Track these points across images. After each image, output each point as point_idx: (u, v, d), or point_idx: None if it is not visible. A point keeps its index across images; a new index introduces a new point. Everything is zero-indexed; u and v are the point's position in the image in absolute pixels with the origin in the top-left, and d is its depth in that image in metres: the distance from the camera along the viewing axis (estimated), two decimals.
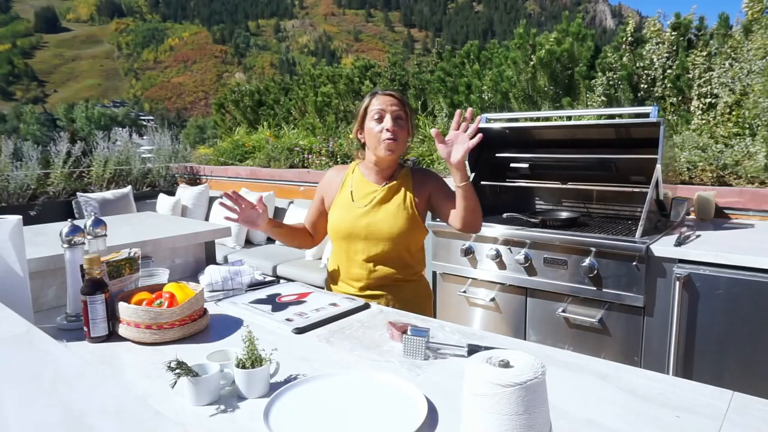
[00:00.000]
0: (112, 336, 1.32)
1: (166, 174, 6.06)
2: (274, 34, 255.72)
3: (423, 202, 1.75)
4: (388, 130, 1.66)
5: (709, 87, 3.23)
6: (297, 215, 4.26)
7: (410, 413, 0.93)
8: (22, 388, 0.71)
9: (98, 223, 1.49)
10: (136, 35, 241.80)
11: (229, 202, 1.69)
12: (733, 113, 3.08)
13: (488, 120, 2.96)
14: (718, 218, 2.67)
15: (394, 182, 1.76)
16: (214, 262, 2.02)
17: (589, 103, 3.79)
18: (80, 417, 0.64)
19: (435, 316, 1.90)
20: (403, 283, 1.75)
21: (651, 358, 2.21)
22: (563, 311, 2.41)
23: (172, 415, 0.95)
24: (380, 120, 1.67)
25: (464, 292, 2.73)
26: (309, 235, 1.91)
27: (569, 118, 3.49)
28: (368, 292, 1.72)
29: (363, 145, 1.78)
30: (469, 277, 2.72)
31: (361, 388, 1.03)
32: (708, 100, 3.22)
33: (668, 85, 3.41)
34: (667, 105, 3.45)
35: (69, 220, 1.42)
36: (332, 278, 1.84)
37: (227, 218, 1.71)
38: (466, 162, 1.59)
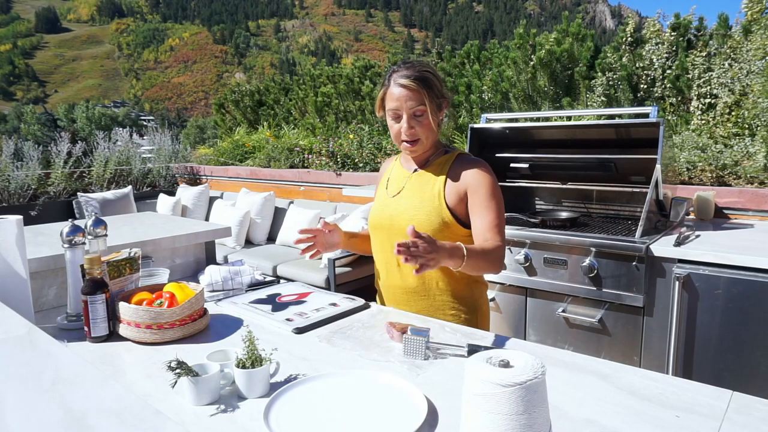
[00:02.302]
0: (113, 336, 1.32)
1: (167, 174, 6.06)
2: (274, 35, 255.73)
3: (458, 197, 1.47)
4: (405, 133, 1.45)
5: (708, 87, 3.23)
6: (297, 215, 4.26)
7: (410, 413, 0.93)
8: (23, 388, 0.71)
9: (99, 223, 1.49)
10: (137, 35, 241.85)
11: (304, 240, 1.53)
12: (733, 113, 3.08)
13: (488, 120, 2.96)
14: (717, 218, 2.67)
15: (427, 170, 1.52)
16: (214, 262, 2.02)
17: (589, 104, 3.79)
18: (81, 417, 0.64)
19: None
20: (424, 293, 1.52)
21: (651, 358, 2.21)
22: (563, 311, 2.41)
23: (173, 415, 0.95)
24: (398, 119, 1.46)
25: None
26: None
27: (569, 118, 3.49)
28: (390, 292, 1.56)
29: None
30: None
31: (361, 388, 1.03)
32: (707, 101, 3.23)
33: (668, 86, 3.41)
34: (666, 105, 3.45)
35: (69, 220, 1.42)
36: (376, 274, 1.66)
37: (312, 257, 1.54)
38: (436, 262, 1.18)
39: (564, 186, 2.83)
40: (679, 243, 2.13)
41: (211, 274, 1.71)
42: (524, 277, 2.50)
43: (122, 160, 5.82)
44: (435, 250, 1.18)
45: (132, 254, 1.45)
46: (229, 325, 1.41)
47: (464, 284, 1.53)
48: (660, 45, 3.51)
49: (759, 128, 2.85)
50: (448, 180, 1.48)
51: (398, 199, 1.54)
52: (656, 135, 2.28)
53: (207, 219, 5.01)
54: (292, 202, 4.60)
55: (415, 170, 1.55)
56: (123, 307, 1.29)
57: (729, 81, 3.13)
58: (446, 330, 1.35)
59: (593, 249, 2.28)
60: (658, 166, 2.28)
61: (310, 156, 4.94)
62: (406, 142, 1.46)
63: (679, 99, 3.40)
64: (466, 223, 1.48)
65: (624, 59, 3.64)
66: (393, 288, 1.57)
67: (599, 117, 3.51)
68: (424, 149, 1.50)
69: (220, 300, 1.59)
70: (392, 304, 1.58)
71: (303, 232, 1.52)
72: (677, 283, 2.09)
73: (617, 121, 2.68)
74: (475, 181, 1.46)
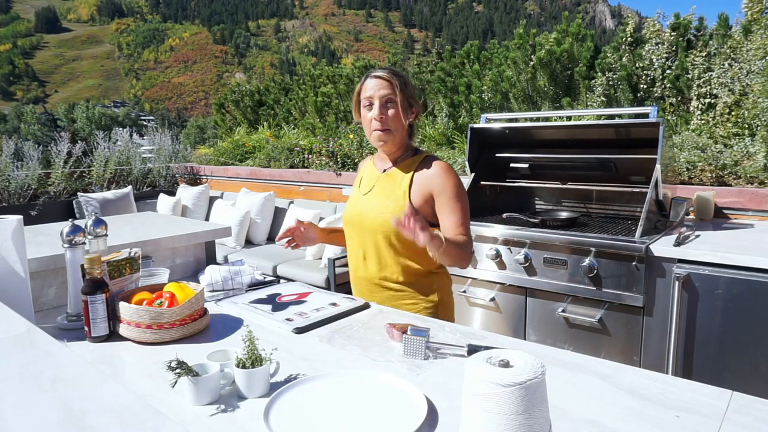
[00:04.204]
0: (113, 336, 1.32)
1: (167, 174, 6.06)
2: (274, 35, 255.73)
3: (422, 198, 1.56)
4: (375, 119, 1.54)
5: (708, 87, 3.23)
6: (297, 215, 4.26)
7: (410, 413, 0.93)
8: (23, 388, 0.71)
9: (99, 223, 1.49)
10: (137, 35, 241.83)
11: (283, 236, 1.75)
12: (733, 113, 3.08)
13: (488, 120, 2.96)
14: (717, 218, 2.67)
15: (396, 169, 1.62)
16: (215, 262, 2.02)
17: (588, 104, 3.79)
18: (80, 417, 0.64)
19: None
20: (395, 284, 1.61)
21: (650, 357, 2.21)
22: (563, 311, 2.41)
23: (173, 415, 0.95)
24: (370, 107, 1.55)
25: (464, 291, 2.73)
26: None
27: (569, 118, 3.49)
28: (357, 286, 1.70)
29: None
30: (469, 277, 2.72)
31: (361, 388, 1.03)
32: (707, 101, 3.23)
33: (668, 86, 3.41)
34: (666, 105, 3.45)
35: (70, 220, 1.42)
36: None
37: (293, 249, 1.77)
38: (429, 235, 1.32)
39: (564, 186, 2.83)
40: (679, 243, 2.13)
41: (211, 274, 1.71)
42: (524, 277, 2.50)
43: (122, 160, 5.82)
44: (425, 227, 1.31)
45: (132, 254, 1.45)
46: (229, 325, 1.41)
47: (424, 276, 1.62)
48: (660, 45, 3.51)
49: (759, 128, 2.85)
50: (414, 180, 1.58)
51: (368, 197, 1.64)
52: (656, 135, 2.28)
53: (207, 219, 5.01)
54: (292, 202, 4.60)
55: (385, 170, 1.65)
56: (123, 307, 1.29)
57: (729, 81, 3.13)
58: (446, 330, 1.35)
59: (593, 249, 2.28)
60: (657, 166, 2.28)
61: (310, 156, 4.94)
62: (378, 130, 1.55)
63: (679, 99, 3.41)
64: (431, 223, 1.55)
65: (624, 59, 3.64)
66: (360, 279, 1.69)
67: (599, 117, 3.51)
68: (395, 143, 1.59)
69: (220, 300, 1.59)
70: (359, 295, 1.69)
71: (280, 238, 1.73)
72: (677, 283, 2.09)
73: (617, 121, 2.68)
74: (439, 183, 1.55)
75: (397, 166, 1.62)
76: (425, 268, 1.61)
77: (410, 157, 1.63)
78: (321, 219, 3.96)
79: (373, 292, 1.64)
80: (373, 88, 1.55)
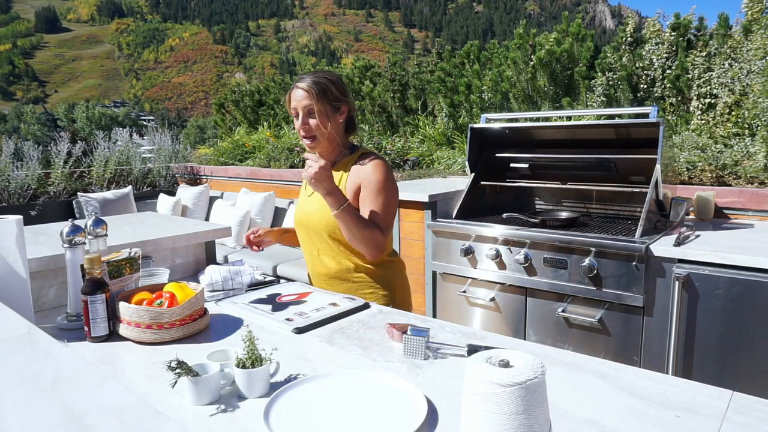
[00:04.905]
0: (113, 336, 1.32)
1: (167, 174, 6.06)
2: (274, 35, 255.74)
3: (354, 192, 1.66)
4: (300, 129, 1.65)
5: (708, 87, 3.23)
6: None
7: (410, 413, 0.93)
8: (23, 388, 0.71)
9: (99, 223, 1.49)
10: (137, 35, 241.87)
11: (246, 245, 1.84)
12: (733, 113, 3.08)
13: (488, 120, 2.96)
14: (717, 218, 2.67)
15: (334, 169, 1.71)
16: (215, 262, 2.02)
17: (588, 104, 3.79)
18: (80, 417, 0.64)
19: (411, 310, 1.85)
20: (344, 280, 1.72)
21: (650, 357, 2.21)
22: (563, 311, 2.41)
23: (173, 415, 0.95)
24: (297, 117, 1.65)
25: (464, 292, 2.73)
26: None
27: (569, 118, 3.49)
28: (315, 281, 1.78)
29: None
30: (469, 277, 2.72)
31: (361, 388, 1.03)
32: (707, 101, 3.23)
33: (668, 86, 3.41)
34: (666, 105, 3.45)
35: (69, 220, 1.42)
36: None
37: (254, 251, 1.84)
38: (336, 184, 1.57)
39: (564, 186, 2.83)
40: (679, 243, 2.13)
41: (211, 274, 1.71)
42: (524, 277, 2.50)
43: (122, 160, 5.81)
44: (328, 177, 1.51)
45: (132, 254, 1.45)
46: (229, 325, 1.41)
47: (378, 266, 1.72)
48: (660, 45, 3.51)
49: (759, 128, 2.85)
50: (349, 177, 1.67)
51: (312, 198, 1.72)
52: (656, 135, 2.28)
53: (207, 219, 5.01)
54: (292, 202, 4.60)
55: None
56: (123, 307, 1.29)
57: (729, 81, 3.13)
58: (446, 330, 1.35)
59: (593, 249, 2.28)
60: (658, 166, 2.28)
61: None
62: (304, 137, 1.65)
63: (679, 99, 3.41)
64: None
65: (624, 59, 3.64)
66: (318, 275, 1.77)
67: (599, 117, 3.51)
68: (324, 146, 1.68)
69: (220, 300, 1.59)
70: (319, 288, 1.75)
71: (244, 247, 1.86)
72: (677, 283, 2.09)
73: (617, 121, 2.68)
74: (367, 176, 1.64)
75: (335, 167, 1.72)
76: (356, 258, 1.71)
77: (347, 156, 1.73)
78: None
79: (333, 286, 1.73)
80: (296, 99, 1.63)
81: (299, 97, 1.62)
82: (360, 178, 1.65)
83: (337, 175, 1.68)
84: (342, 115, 1.68)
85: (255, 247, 1.81)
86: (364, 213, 1.63)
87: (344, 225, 1.57)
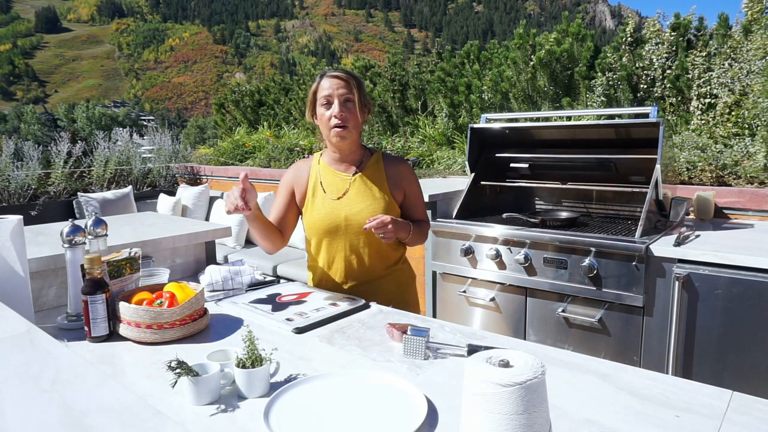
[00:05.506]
0: (113, 336, 1.32)
1: (167, 174, 6.06)
2: (274, 35, 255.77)
3: (399, 191, 1.75)
4: (336, 116, 1.61)
5: (708, 87, 3.23)
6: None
7: (410, 413, 0.93)
8: (23, 388, 0.71)
9: (99, 222, 1.49)
10: (137, 35, 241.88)
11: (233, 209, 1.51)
12: (733, 113, 3.08)
13: (488, 120, 2.96)
14: (717, 218, 2.67)
15: (367, 171, 1.73)
16: (215, 262, 2.02)
17: (588, 104, 3.79)
18: (80, 417, 0.64)
19: (419, 303, 1.94)
20: (386, 274, 1.76)
21: (650, 357, 2.21)
22: (563, 311, 2.41)
23: (173, 415, 0.95)
24: (329, 105, 1.62)
25: (464, 292, 2.73)
26: (280, 234, 1.74)
27: (569, 118, 3.49)
28: (351, 284, 1.73)
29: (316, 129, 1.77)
30: (469, 277, 2.72)
31: (361, 388, 1.03)
32: (707, 101, 3.23)
33: (668, 86, 3.41)
34: (666, 105, 3.45)
35: (70, 220, 1.42)
36: (313, 274, 1.82)
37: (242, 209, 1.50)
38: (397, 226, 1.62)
39: (564, 186, 2.83)
40: (679, 243, 2.13)
41: (211, 274, 1.71)
42: (524, 277, 2.50)
43: (122, 160, 5.81)
44: (396, 226, 1.59)
45: (132, 254, 1.45)
46: (229, 324, 1.41)
47: (394, 251, 1.80)
48: (660, 45, 3.51)
49: (759, 128, 2.85)
50: (388, 178, 1.73)
51: (346, 201, 1.70)
52: (656, 135, 2.28)
53: (207, 219, 5.01)
54: None
55: (356, 173, 1.73)
56: (123, 307, 1.29)
57: (729, 81, 3.13)
58: (446, 330, 1.35)
59: (593, 249, 2.28)
60: (657, 166, 2.28)
61: (310, 156, 4.94)
62: (337, 126, 1.61)
63: (679, 99, 3.40)
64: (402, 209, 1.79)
65: (624, 59, 3.64)
66: (359, 275, 1.73)
67: (599, 117, 3.51)
68: (352, 140, 1.68)
69: (220, 300, 1.59)
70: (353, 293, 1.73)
71: (229, 213, 1.52)
72: (677, 283, 2.09)
73: (617, 121, 2.68)
74: (409, 176, 1.77)
75: (366, 168, 1.73)
76: (399, 250, 1.83)
77: (370, 156, 1.76)
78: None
79: (380, 284, 1.75)
80: (330, 87, 1.62)
81: (335, 84, 1.61)
82: (402, 178, 1.75)
83: (373, 176, 1.72)
84: (366, 114, 1.70)
85: (245, 209, 1.47)
86: (419, 210, 1.79)
87: (412, 237, 1.71)
